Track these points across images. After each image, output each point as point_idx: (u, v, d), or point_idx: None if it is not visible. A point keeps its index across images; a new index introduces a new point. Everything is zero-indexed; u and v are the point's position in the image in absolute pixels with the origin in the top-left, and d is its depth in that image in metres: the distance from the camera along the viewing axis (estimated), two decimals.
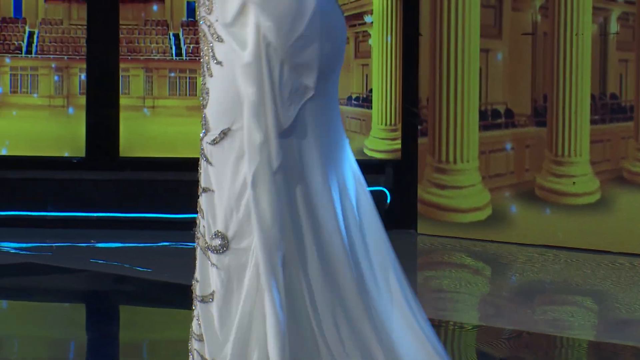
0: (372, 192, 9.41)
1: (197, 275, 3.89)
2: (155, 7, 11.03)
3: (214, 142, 3.76)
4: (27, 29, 10.79)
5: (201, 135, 3.88)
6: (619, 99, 9.37)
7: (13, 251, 9.66)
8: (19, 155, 10.38)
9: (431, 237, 10.09)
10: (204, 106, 3.88)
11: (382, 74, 10.19)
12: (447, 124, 9.97)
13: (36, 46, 10.87)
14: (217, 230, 3.76)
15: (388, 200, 10.28)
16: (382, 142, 10.22)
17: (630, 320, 7.91)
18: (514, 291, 9.10)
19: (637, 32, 9.43)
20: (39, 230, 9.94)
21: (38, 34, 10.89)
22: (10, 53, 10.72)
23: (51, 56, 10.87)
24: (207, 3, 3.89)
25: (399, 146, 10.20)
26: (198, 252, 3.87)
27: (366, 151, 10.22)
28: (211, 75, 3.82)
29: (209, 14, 3.84)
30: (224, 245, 3.74)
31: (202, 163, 3.83)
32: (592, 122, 9.32)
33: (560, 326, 7.75)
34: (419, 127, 10.08)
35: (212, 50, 3.84)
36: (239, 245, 3.74)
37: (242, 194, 3.73)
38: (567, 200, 9.54)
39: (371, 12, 10.11)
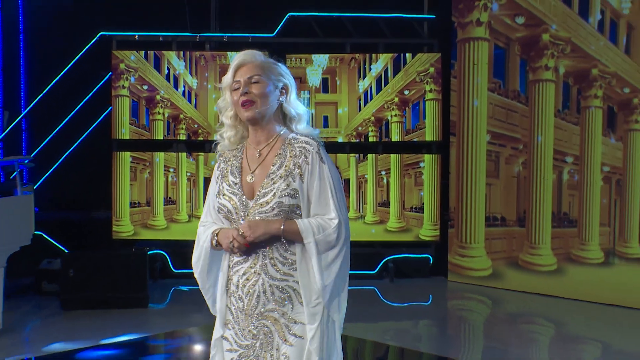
0: (422, 257, 10.45)
1: None
2: None
3: None
4: None
5: None
6: (568, 215, 9.57)
7: None
8: None
9: (456, 283, 10.12)
10: (287, 358, 3.47)
11: (429, 194, 10.32)
12: (465, 223, 10.13)
13: None
14: None
15: (431, 262, 10.48)
16: (429, 231, 10.34)
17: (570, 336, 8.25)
18: (503, 313, 9.21)
19: (579, 179, 9.46)
20: None
21: None
22: None
23: None
24: (283, 297, 3.50)
25: (438, 233, 10.35)
26: None
27: (420, 236, 10.33)
28: (291, 344, 3.47)
29: (282, 305, 3.48)
30: None
31: None
32: (553, 226, 9.61)
33: (532, 338, 8.38)
34: (449, 223, 10.25)
35: (290, 325, 3.48)
36: None
37: None
38: (536, 268, 9.75)
39: (423, 161, 10.28)
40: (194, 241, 11.37)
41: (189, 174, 10.34)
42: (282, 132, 3.56)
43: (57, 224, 9.81)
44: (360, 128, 10.42)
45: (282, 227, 3.39)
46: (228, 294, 3.57)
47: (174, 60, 10.21)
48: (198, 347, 7.81)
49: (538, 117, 9.68)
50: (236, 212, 3.51)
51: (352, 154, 10.46)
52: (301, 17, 10.38)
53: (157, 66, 10.18)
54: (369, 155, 10.40)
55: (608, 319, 8.80)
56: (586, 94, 9.38)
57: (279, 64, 3.59)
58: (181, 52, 10.23)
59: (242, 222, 3.48)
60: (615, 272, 9.24)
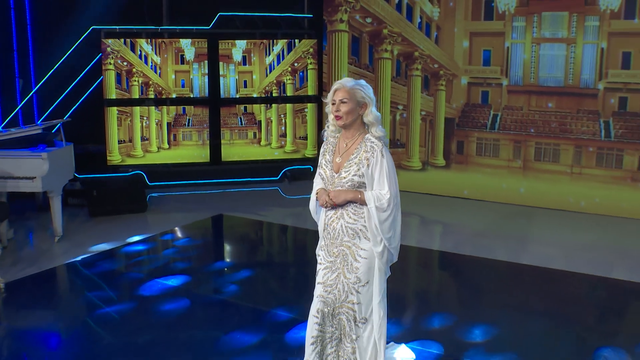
0: (307, 167, 10.18)
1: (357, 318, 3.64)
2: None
3: (363, 285, 3.57)
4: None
5: (353, 280, 3.58)
6: (400, 140, 9.87)
7: None
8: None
9: None
10: (357, 269, 3.57)
11: (310, 128, 10.58)
12: None
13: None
14: (363, 317, 3.63)
15: (312, 170, 10.01)
16: (310, 151, 10.61)
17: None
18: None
19: (406, 118, 9.80)
20: None
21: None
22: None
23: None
24: (354, 233, 3.57)
25: (316, 152, 10.29)
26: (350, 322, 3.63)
27: (305, 154, 10.58)
28: (358, 262, 3.59)
29: (353, 238, 3.56)
30: (366, 321, 3.64)
31: (355, 294, 3.59)
32: (390, 148, 8.37)
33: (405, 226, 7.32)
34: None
35: (358, 250, 3.56)
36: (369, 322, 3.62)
37: (371, 305, 3.61)
38: (411, 169, 10.01)
39: (307, 108, 10.49)
40: (163, 164, 10.61)
41: (156, 121, 10.40)
42: (361, 133, 3.58)
43: None
44: (267, 87, 10.61)
45: (359, 196, 3.50)
46: (324, 228, 3.72)
47: (144, 44, 10.23)
48: (191, 241, 7.71)
49: (380, 81, 10.04)
50: (327, 179, 3.62)
51: (263, 104, 10.68)
52: (228, 15, 10.48)
53: (133, 49, 10.13)
54: (273, 105, 10.65)
55: (424, 203, 9.29)
56: (411, 67, 9.84)
57: (364, 87, 3.59)
58: (148, 39, 10.22)
59: (330, 187, 3.60)
60: (428, 175, 9.89)
